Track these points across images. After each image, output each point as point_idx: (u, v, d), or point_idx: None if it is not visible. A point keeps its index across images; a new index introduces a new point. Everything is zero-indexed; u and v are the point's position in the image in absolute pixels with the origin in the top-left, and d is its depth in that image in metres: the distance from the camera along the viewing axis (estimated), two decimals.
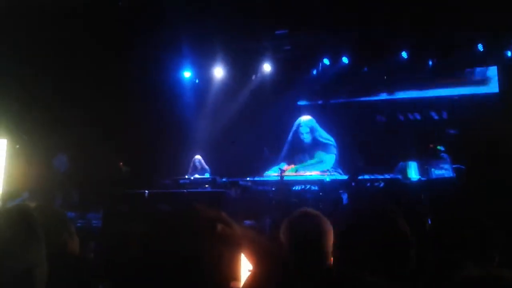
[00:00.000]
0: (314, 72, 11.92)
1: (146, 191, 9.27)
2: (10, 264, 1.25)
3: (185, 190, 9.64)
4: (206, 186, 9.97)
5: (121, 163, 10.51)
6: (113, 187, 9.72)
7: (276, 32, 11.08)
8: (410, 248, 1.69)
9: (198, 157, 10.84)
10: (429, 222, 6.96)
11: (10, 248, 1.27)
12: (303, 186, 10.51)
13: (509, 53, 10.16)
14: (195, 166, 10.71)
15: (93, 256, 3.72)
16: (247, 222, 9.15)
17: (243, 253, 1.73)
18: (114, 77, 10.46)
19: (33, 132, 9.55)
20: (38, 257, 1.31)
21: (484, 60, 10.63)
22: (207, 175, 10.63)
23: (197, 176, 10.59)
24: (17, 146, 9.51)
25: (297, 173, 11.61)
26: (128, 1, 9.36)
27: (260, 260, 1.67)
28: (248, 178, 10.81)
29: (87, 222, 8.78)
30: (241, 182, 10.56)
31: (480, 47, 10.20)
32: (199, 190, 9.88)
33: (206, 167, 10.86)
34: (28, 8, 8.29)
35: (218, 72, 12.02)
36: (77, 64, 9.93)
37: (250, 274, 1.89)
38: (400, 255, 1.65)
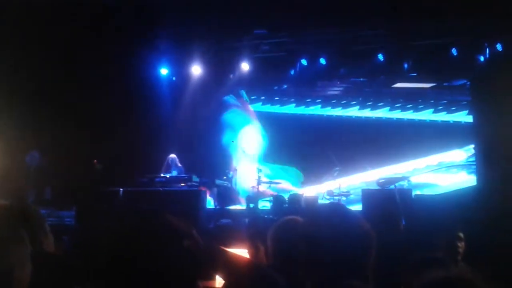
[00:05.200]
0: (292, 72, 11.96)
1: (121, 189, 9.16)
2: None
3: (160, 189, 9.56)
4: (182, 184, 9.89)
5: (95, 161, 10.36)
6: (87, 184, 9.59)
7: (255, 31, 11.09)
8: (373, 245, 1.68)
9: (172, 156, 10.76)
10: (403, 223, 7.10)
11: None
12: None
13: (481, 58, 10.37)
14: (168, 165, 10.63)
15: (65, 253, 3.65)
16: (224, 220, 9.16)
17: (218, 274, 1.71)
18: (89, 74, 10.31)
19: (5, 128, 9.34)
20: (20, 257, 1.27)
21: (458, 65, 10.82)
22: (174, 173, 10.56)
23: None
24: None
25: None
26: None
27: (230, 276, 1.66)
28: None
29: (59, 219, 8.65)
30: (217, 182, 10.54)
31: (454, 51, 10.40)
32: (174, 188, 9.80)
33: (180, 165, 10.79)
34: (10, 8, 8.11)
35: (196, 70, 11.96)
36: (51, 60, 9.75)
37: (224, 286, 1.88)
38: (364, 252, 1.65)
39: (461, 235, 4.02)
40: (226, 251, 1.73)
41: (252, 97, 13.27)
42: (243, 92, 13.11)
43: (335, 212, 1.77)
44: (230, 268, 1.68)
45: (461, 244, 4.00)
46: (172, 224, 1.33)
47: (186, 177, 10.22)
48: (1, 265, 1.22)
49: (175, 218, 1.36)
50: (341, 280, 1.58)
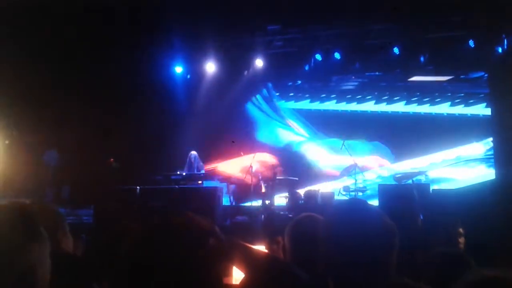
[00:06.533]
0: (307, 67, 11.89)
1: (138, 187, 9.21)
2: (11, 263, 1.22)
3: (176, 186, 9.60)
4: (199, 182, 9.92)
5: (112, 159, 10.44)
6: (104, 183, 9.67)
7: (269, 27, 11.05)
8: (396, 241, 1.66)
9: (193, 153, 10.77)
10: (421, 218, 7.03)
11: (12, 246, 1.23)
12: None
13: (500, 49, 10.18)
14: (190, 162, 10.64)
15: (84, 253, 3.68)
16: (239, 217, 9.17)
17: (234, 265, 1.71)
18: (105, 73, 10.38)
19: (24, 127, 9.47)
20: (40, 256, 1.28)
21: (475, 58, 10.65)
22: (202, 172, 10.59)
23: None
24: (7, 142, 9.42)
25: None
26: None
27: (252, 271, 1.65)
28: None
29: (77, 218, 8.74)
30: (233, 178, 10.55)
31: (471, 43, 10.24)
32: (190, 186, 9.83)
33: (201, 163, 10.82)
34: (21, 7, 8.20)
35: (210, 67, 11.97)
36: (68, 61, 9.84)
37: (243, 281, 1.87)
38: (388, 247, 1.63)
39: (461, 230, 3.97)
40: (247, 246, 1.72)
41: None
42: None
43: (357, 209, 1.74)
44: (252, 262, 1.68)
45: (461, 240, 3.95)
46: (196, 223, 1.32)
47: (203, 175, 10.25)
48: (23, 264, 1.23)
49: (198, 216, 1.35)
50: (363, 277, 1.56)
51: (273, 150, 12.34)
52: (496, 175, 10.02)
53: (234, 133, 12.31)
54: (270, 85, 13.11)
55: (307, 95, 12.89)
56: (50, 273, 1.29)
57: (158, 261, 1.22)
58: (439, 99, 11.60)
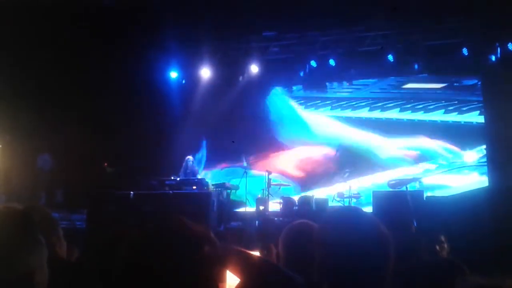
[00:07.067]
0: (302, 74, 11.93)
1: (131, 192, 9.18)
2: (10, 268, 1.22)
3: (171, 191, 9.57)
4: (194, 187, 9.90)
5: (106, 164, 10.41)
6: (98, 187, 9.63)
7: (264, 33, 11.09)
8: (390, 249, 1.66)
9: (190, 157, 10.77)
10: (415, 225, 7.04)
11: (11, 251, 1.23)
12: None
13: (493, 58, 10.27)
14: (186, 167, 10.63)
15: (78, 257, 3.65)
16: (234, 223, 9.15)
17: (229, 270, 1.72)
18: (100, 77, 10.36)
19: (17, 131, 9.42)
20: (38, 260, 1.28)
21: (469, 65, 10.72)
22: (197, 177, 10.57)
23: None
24: (0, 146, 9.38)
25: None
26: (115, 2, 9.27)
27: (247, 276, 1.66)
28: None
29: (71, 223, 8.69)
30: (227, 184, 10.54)
31: (465, 51, 10.32)
32: (185, 191, 9.81)
33: (196, 168, 10.81)
34: (15, 9, 8.18)
35: (205, 72, 11.97)
36: (63, 65, 9.82)
37: (238, 286, 1.88)
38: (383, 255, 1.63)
39: (443, 238, 3.97)
40: (242, 250, 1.73)
41: None
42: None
43: (351, 216, 1.75)
44: (248, 267, 1.68)
45: (440, 248, 3.95)
46: (190, 228, 1.32)
47: (197, 180, 10.23)
48: (22, 269, 1.23)
49: (192, 222, 1.35)
50: (358, 285, 1.57)
51: (269, 154, 12.33)
52: (489, 182, 10.08)
53: (230, 138, 12.28)
54: (266, 90, 13.11)
55: (302, 101, 12.92)
56: (48, 278, 1.29)
57: (153, 266, 1.22)
58: (433, 107, 11.67)
